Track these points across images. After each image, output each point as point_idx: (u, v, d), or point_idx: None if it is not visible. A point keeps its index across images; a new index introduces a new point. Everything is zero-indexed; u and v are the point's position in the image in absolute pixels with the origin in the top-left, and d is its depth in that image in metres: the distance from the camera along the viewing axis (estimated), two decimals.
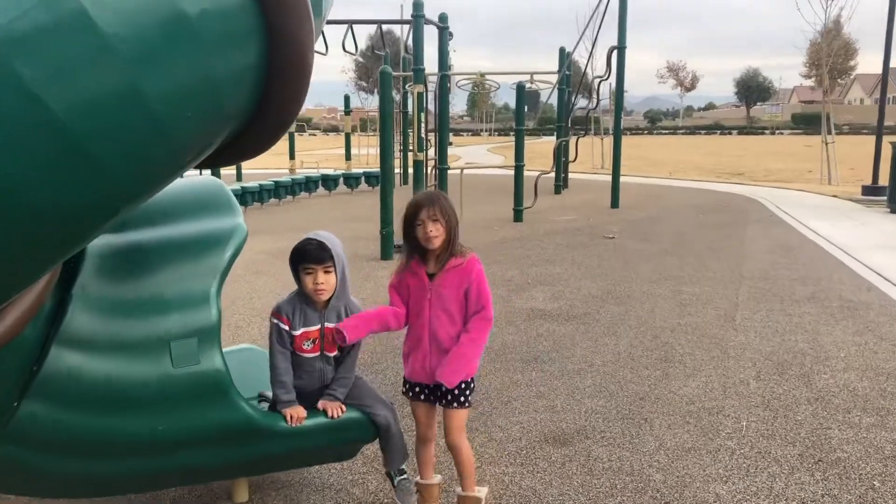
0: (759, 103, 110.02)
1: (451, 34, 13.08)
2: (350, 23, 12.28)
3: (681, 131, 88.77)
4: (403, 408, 3.70)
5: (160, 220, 2.86)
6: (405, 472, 3.21)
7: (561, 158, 17.64)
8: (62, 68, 1.39)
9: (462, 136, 71.97)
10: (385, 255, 9.38)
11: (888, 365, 5.23)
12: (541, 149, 36.14)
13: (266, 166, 23.07)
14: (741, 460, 3.79)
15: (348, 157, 22.88)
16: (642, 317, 6.54)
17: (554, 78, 18.06)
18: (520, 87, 13.51)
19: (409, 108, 18.25)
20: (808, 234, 11.25)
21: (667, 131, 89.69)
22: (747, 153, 39.33)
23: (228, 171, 19.04)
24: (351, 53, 13.31)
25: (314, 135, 75.82)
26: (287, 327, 2.96)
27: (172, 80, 1.62)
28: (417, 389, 3.08)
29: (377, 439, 3.12)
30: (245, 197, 14.66)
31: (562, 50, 18.42)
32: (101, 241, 2.64)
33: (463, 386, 2.99)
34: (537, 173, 14.64)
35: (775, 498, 3.42)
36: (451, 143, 17.96)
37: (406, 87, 19.03)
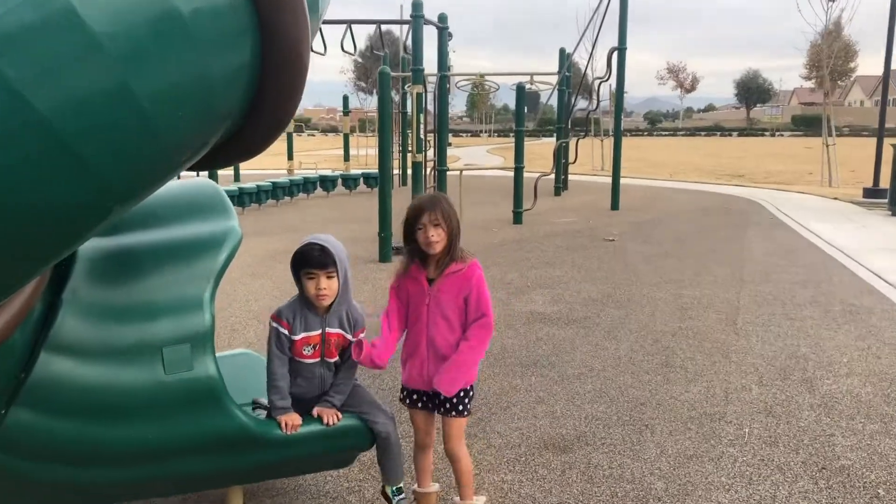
0: (759, 105, 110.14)
1: (450, 34, 13.03)
2: (349, 22, 12.22)
3: (680, 133, 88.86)
4: (401, 413, 3.64)
5: (153, 222, 2.80)
6: (402, 493, 3.13)
7: (561, 160, 17.59)
8: (49, 67, 1.36)
9: (461, 136, 72.01)
10: (383, 257, 9.32)
11: (892, 370, 5.18)
12: (540, 150, 36.12)
13: (264, 167, 23.05)
14: (744, 468, 3.73)
15: (347, 157, 22.83)
16: (643, 320, 6.48)
17: (554, 79, 18.02)
18: (520, 88, 13.46)
19: (409, 109, 18.20)
20: (809, 237, 11.21)
21: (666, 133, 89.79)
22: (747, 155, 39.32)
23: (226, 172, 18.99)
24: (350, 53, 13.25)
25: (313, 135, 75.85)
26: (287, 331, 2.90)
27: (164, 80, 1.58)
28: (415, 396, 3.03)
29: (375, 449, 3.06)
30: (242, 198, 14.60)
31: (562, 51, 18.38)
32: (93, 245, 2.59)
33: (462, 394, 2.93)
34: (537, 175, 14.59)
35: None
36: (450, 144, 17.94)
37: (405, 87, 18.99)
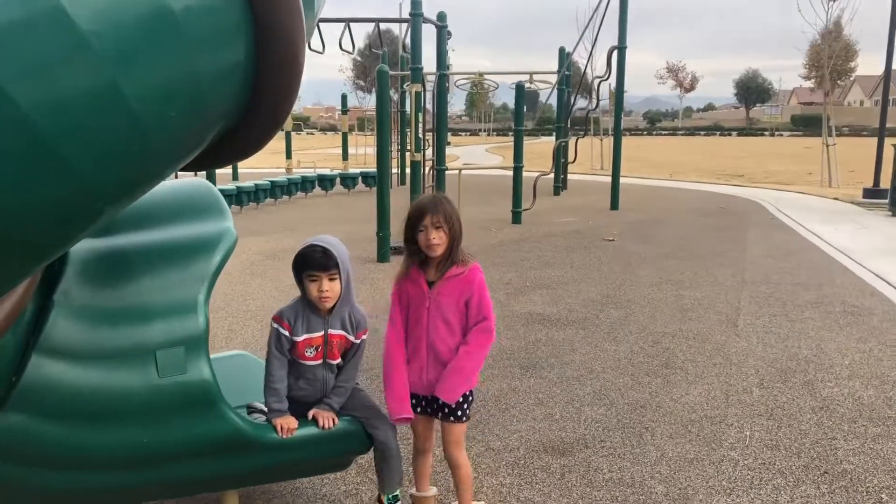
0: (758, 104, 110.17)
1: (449, 33, 12.97)
2: (347, 21, 12.16)
3: (680, 132, 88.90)
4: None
5: (146, 223, 2.76)
6: (399, 500, 3.08)
7: (560, 159, 17.55)
8: (35, 65, 1.31)
9: (460, 135, 71.99)
10: (381, 257, 9.28)
11: (893, 373, 5.14)
12: (540, 149, 36.06)
13: (262, 166, 23.00)
14: (745, 472, 3.70)
15: (345, 156, 22.77)
16: (643, 322, 6.44)
17: (553, 78, 17.97)
18: (519, 87, 13.42)
19: (407, 108, 18.16)
20: (809, 238, 11.17)
21: (666, 132, 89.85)
22: (747, 155, 39.30)
23: (225, 171, 18.94)
24: (348, 52, 13.20)
25: (311, 134, 75.81)
26: (288, 333, 2.86)
27: (154, 79, 1.54)
28: (414, 402, 2.98)
29: (373, 456, 3.02)
30: (241, 197, 14.55)
31: (561, 50, 18.33)
32: (85, 246, 2.54)
33: (461, 399, 2.89)
34: (536, 174, 14.55)
35: None
36: (449, 143, 17.88)
37: (404, 86, 18.95)
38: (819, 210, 14.83)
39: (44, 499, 2.59)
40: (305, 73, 2.13)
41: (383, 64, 10.08)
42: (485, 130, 69.30)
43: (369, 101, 63.67)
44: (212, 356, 2.67)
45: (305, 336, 2.87)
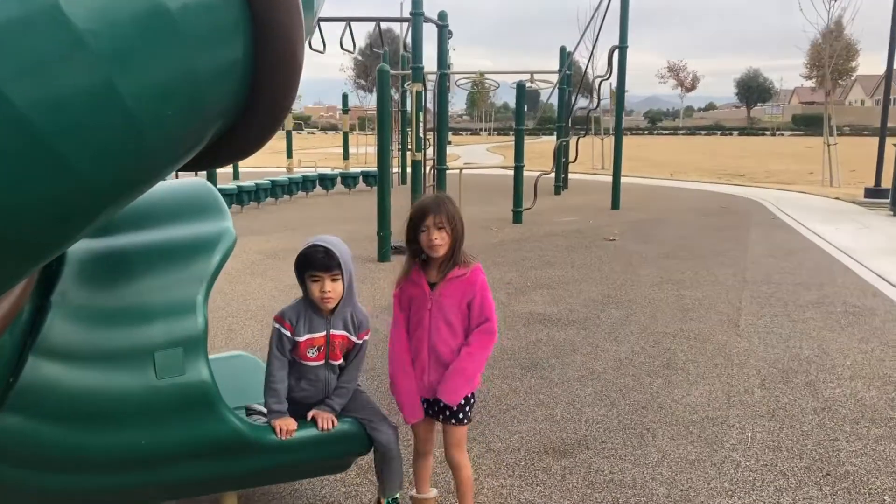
0: (759, 104, 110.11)
1: (450, 32, 12.96)
2: (348, 20, 12.15)
3: (681, 132, 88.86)
4: (401, 418, 3.57)
5: (144, 223, 2.74)
6: (398, 503, 3.07)
7: (561, 159, 17.52)
8: (31, 64, 1.30)
9: (461, 135, 71.99)
10: (382, 256, 9.26)
11: (895, 373, 5.12)
12: (541, 149, 36.04)
13: (263, 165, 22.98)
14: (747, 473, 3.68)
15: (346, 156, 22.76)
16: (644, 322, 6.42)
17: (554, 77, 17.95)
18: (520, 87, 13.39)
19: (408, 107, 18.13)
20: (810, 238, 11.15)
21: (667, 131, 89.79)
22: (748, 154, 39.26)
23: (225, 170, 18.92)
24: (349, 51, 13.19)
25: (312, 133, 75.80)
26: (289, 333, 2.84)
27: (150, 77, 1.52)
28: None
29: (374, 458, 3.00)
30: (241, 196, 14.54)
31: (562, 49, 18.31)
32: (83, 246, 2.53)
33: (463, 402, 2.87)
34: (537, 174, 14.53)
35: None
36: (450, 143, 17.87)
37: (405, 85, 18.92)
38: (820, 210, 14.80)
39: (41, 500, 2.57)
40: (306, 72, 2.11)
41: (384, 63, 10.06)
42: (486, 130, 69.22)
43: (370, 101, 63.71)
44: (211, 357, 2.66)
45: (307, 336, 2.85)
